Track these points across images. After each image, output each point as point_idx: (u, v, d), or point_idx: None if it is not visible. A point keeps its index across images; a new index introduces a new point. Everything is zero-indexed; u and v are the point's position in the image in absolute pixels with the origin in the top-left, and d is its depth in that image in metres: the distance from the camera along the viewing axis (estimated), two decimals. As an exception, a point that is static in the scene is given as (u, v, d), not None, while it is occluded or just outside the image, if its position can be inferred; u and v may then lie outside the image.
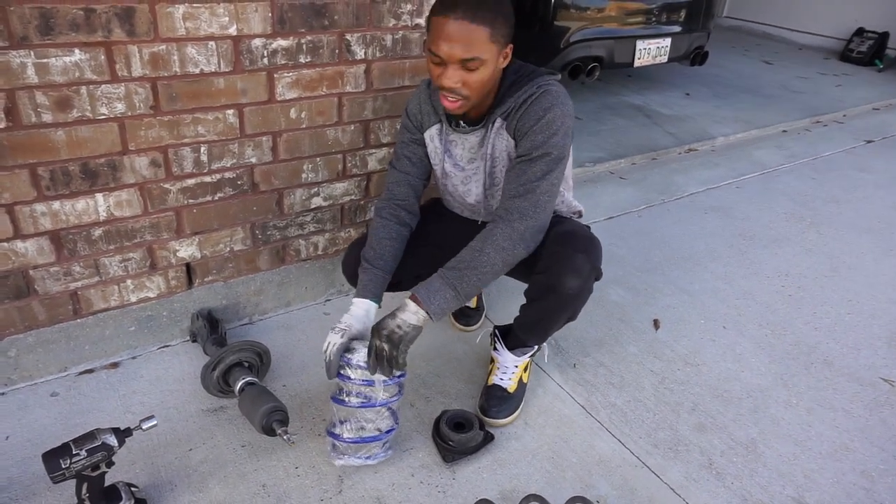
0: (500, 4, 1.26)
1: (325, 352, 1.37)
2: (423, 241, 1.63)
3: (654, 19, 3.95)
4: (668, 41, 4.02)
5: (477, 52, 1.24)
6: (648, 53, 3.95)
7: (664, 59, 4.06)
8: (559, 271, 1.41)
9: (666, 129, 3.84)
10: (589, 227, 1.59)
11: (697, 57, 4.33)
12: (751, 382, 1.82)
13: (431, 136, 1.52)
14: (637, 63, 3.91)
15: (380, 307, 1.48)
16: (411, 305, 1.31)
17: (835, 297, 2.27)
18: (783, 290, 2.29)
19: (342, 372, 1.37)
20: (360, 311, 1.44)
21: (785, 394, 1.78)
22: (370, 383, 1.36)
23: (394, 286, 1.66)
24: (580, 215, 1.69)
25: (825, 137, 4.05)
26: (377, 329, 1.32)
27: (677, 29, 4.08)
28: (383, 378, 1.35)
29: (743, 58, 6.07)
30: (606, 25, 3.74)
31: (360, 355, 1.35)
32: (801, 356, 1.95)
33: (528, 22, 3.68)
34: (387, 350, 1.30)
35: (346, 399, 1.38)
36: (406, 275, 1.66)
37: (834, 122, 4.40)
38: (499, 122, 1.42)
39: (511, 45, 1.32)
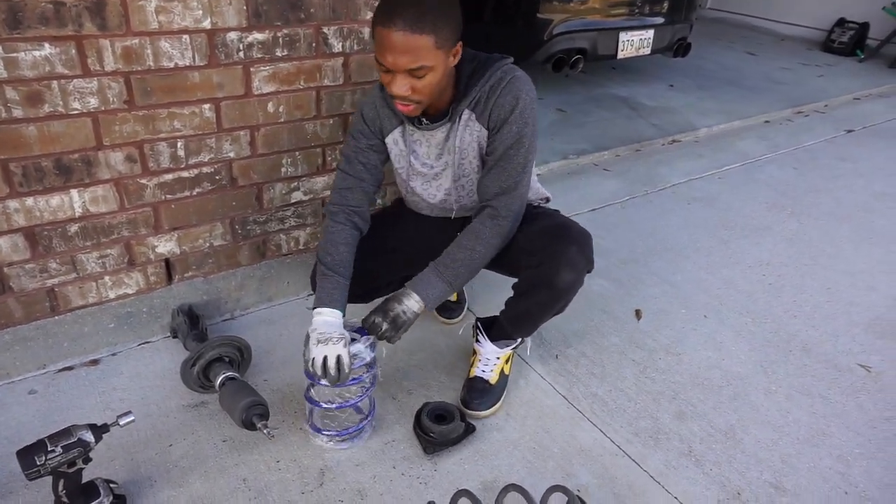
0: (443, 7, 1.23)
1: (327, 365, 1.33)
2: (395, 248, 1.60)
3: (636, 11, 3.96)
4: (650, 33, 4.03)
5: (423, 61, 1.22)
6: (631, 45, 3.96)
7: (647, 50, 4.08)
8: (555, 265, 1.42)
9: (650, 121, 3.86)
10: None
11: (680, 48, 4.35)
12: (731, 370, 1.84)
13: (395, 139, 1.49)
14: (620, 55, 3.92)
15: (344, 316, 1.43)
16: (413, 295, 1.40)
17: (814, 285, 2.29)
18: (764, 279, 2.32)
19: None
20: (336, 320, 1.40)
21: (764, 381, 1.81)
22: (353, 382, 1.43)
23: (366, 296, 1.62)
24: (547, 201, 1.69)
25: (807, 127, 4.08)
26: (383, 310, 1.39)
27: (660, 20, 4.09)
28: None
29: (727, 50, 6.10)
30: (589, 17, 3.74)
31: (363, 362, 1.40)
32: (781, 343, 1.97)
33: (511, 15, 3.68)
34: (386, 329, 1.38)
35: (321, 401, 1.45)
36: (380, 281, 1.62)
37: (815, 112, 4.43)
38: (467, 113, 1.41)
39: (460, 43, 1.30)
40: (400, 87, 1.26)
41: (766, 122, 4.13)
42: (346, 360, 1.34)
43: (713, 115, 4.05)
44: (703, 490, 1.45)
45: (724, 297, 2.19)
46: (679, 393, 1.74)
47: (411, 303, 1.39)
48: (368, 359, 1.40)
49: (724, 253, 2.47)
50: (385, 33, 1.20)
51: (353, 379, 1.41)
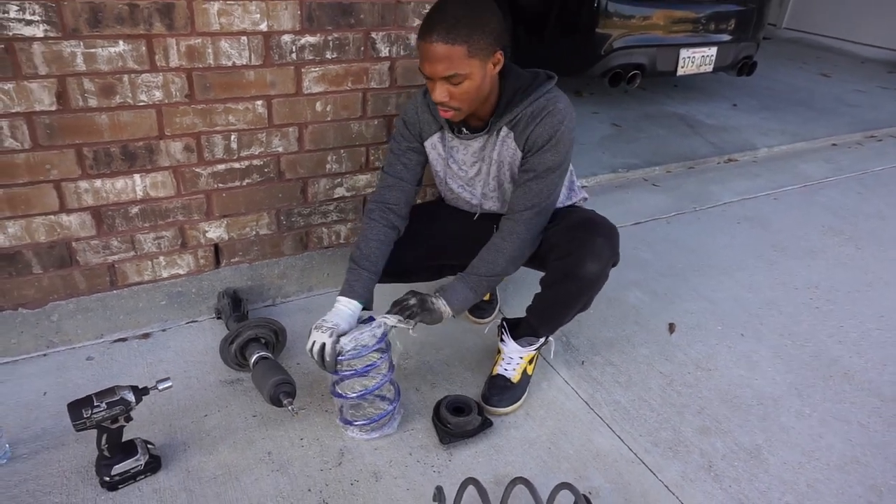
0: (478, 19, 1.31)
1: (312, 351, 1.43)
2: (433, 237, 1.70)
3: (700, 28, 3.90)
4: (713, 50, 3.96)
5: (456, 69, 1.31)
6: (692, 62, 3.90)
7: (709, 68, 4.00)
8: (580, 256, 1.48)
9: (707, 139, 3.78)
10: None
11: (745, 67, 4.24)
12: (763, 390, 1.79)
13: (433, 143, 1.57)
14: (680, 72, 3.87)
15: (364, 308, 1.52)
16: (441, 299, 1.52)
17: (866, 311, 2.20)
18: (810, 302, 2.24)
19: (337, 368, 1.46)
20: (347, 310, 1.48)
21: (798, 403, 1.75)
22: (367, 369, 1.46)
23: (404, 276, 1.73)
24: (585, 200, 1.73)
25: (878, 152, 3.89)
26: (417, 294, 1.52)
27: (724, 38, 4.02)
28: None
29: (799, 70, 5.88)
30: (649, 33, 3.72)
31: (350, 352, 1.43)
32: (821, 368, 1.90)
33: (569, 29, 3.71)
34: (414, 308, 1.49)
35: (345, 392, 1.49)
36: (418, 266, 1.74)
37: (890, 136, 4.22)
38: (505, 130, 1.48)
39: (500, 51, 1.37)
40: (439, 93, 1.36)
41: (834, 144, 3.96)
42: (328, 349, 1.41)
43: (776, 135, 3.93)
44: (718, 505, 1.43)
45: (765, 317, 2.13)
46: (705, 408, 1.71)
47: (440, 304, 1.52)
48: (373, 344, 1.43)
49: (770, 273, 2.41)
50: (423, 45, 1.33)
51: (368, 365, 1.46)
